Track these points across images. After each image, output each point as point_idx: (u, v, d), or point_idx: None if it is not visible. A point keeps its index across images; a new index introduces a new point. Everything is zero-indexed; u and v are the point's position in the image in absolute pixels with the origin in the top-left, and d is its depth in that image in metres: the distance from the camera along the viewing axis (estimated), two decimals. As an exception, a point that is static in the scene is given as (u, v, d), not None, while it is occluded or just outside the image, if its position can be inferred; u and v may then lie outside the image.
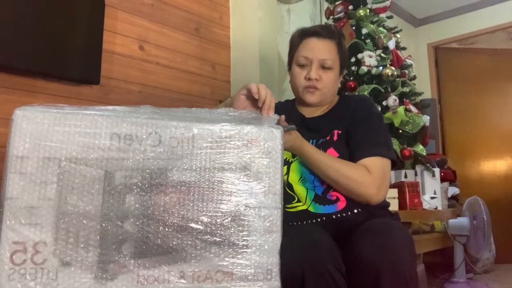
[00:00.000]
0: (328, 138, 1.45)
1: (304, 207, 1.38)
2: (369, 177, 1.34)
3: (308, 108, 1.56)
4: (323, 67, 1.49)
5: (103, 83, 2.14)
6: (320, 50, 1.49)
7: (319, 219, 1.35)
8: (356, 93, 2.74)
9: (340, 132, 1.45)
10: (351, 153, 1.41)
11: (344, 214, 1.35)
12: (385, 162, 1.39)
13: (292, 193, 1.41)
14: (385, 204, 1.46)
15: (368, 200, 1.34)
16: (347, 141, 1.44)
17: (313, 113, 1.56)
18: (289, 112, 1.52)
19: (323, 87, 1.49)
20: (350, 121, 1.47)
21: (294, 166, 1.43)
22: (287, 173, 1.43)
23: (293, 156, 1.44)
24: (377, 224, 1.21)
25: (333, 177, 1.33)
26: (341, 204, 1.36)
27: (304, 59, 1.50)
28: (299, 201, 1.39)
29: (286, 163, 1.44)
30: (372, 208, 1.36)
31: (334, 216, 1.35)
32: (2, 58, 1.76)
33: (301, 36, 1.55)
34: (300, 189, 1.41)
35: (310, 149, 1.35)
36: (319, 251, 1.14)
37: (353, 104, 1.53)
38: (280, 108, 1.54)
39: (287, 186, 1.42)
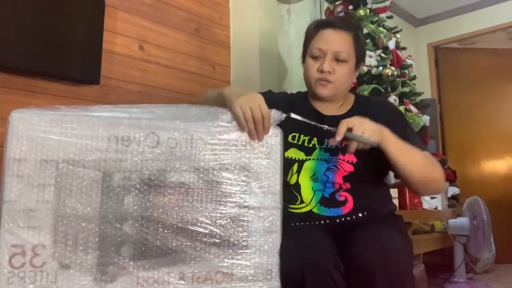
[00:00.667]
0: (347, 142, 1.35)
1: (307, 209, 1.35)
2: (438, 165, 1.38)
3: (323, 104, 1.49)
4: (337, 59, 1.42)
5: (103, 83, 2.13)
6: (335, 41, 1.43)
7: (322, 222, 1.33)
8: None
9: None
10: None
11: (348, 218, 1.33)
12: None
13: (296, 194, 1.38)
14: (393, 208, 1.45)
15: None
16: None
17: (330, 110, 1.49)
18: (303, 105, 1.50)
19: (335, 80, 1.43)
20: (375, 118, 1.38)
21: (308, 164, 1.39)
22: (298, 171, 1.39)
23: (307, 155, 1.40)
24: (376, 226, 1.21)
25: (415, 170, 1.32)
26: (348, 206, 1.34)
27: (318, 50, 1.44)
28: (302, 201, 1.37)
29: (298, 161, 1.39)
30: (378, 211, 1.35)
31: (337, 220, 1.33)
32: (2, 58, 1.76)
33: (316, 27, 1.49)
34: (307, 191, 1.37)
35: (392, 137, 1.29)
36: (319, 251, 1.14)
37: (376, 108, 1.46)
38: (293, 100, 1.53)
39: (293, 187, 1.38)
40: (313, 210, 1.35)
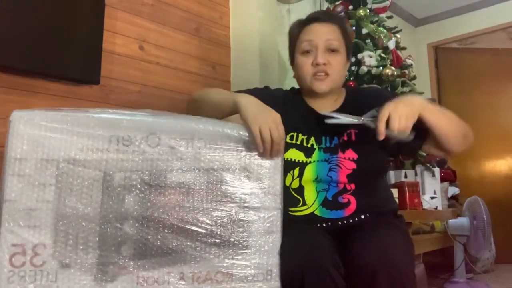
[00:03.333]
0: (345, 138, 1.38)
1: (309, 211, 1.34)
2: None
3: (317, 101, 1.45)
4: (330, 50, 1.38)
5: (103, 83, 2.13)
6: (324, 32, 1.40)
7: (324, 224, 1.32)
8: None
9: (357, 131, 1.37)
10: None
11: (350, 220, 1.32)
12: None
13: (298, 196, 1.35)
14: (395, 207, 1.45)
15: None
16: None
17: (324, 106, 1.44)
18: (297, 104, 1.47)
19: (332, 72, 1.39)
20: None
21: (310, 168, 1.35)
22: (300, 175, 1.35)
23: (307, 156, 1.36)
24: (377, 226, 1.21)
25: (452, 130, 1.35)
26: (351, 208, 1.32)
27: (307, 43, 1.40)
28: (304, 204, 1.34)
29: (299, 164, 1.36)
30: (381, 212, 1.34)
31: (340, 223, 1.31)
32: (2, 58, 1.75)
33: (300, 25, 1.45)
34: (310, 193, 1.34)
35: (423, 102, 1.28)
36: (319, 252, 1.14)
37: (370, 97, 1.43)
38: (286, 98, 1.49)
39: (296, 190, 1.35)
40: (315, 212, 1.33)
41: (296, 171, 1.35)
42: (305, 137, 1.40)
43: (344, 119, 1.28)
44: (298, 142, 1.39)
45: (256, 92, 1.43)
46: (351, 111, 1.33)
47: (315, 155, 1.37)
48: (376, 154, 1.38)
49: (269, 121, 1.17)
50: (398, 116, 1.17)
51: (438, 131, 1.28)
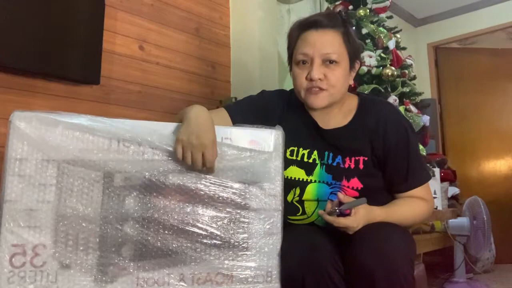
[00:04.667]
0: (352, 166, 1.30)
1: (309, 220, 1.33)
2: (427, 206, 1.36)
3: (321, 113, 1.36)
4: (327, 62, 1.27)
5: (103, 83, 2.13)
6: (322, 43, 1.27)
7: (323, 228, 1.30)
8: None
9: (366, 159, 1.31)
10: (392, 180, 1.33)
11: None
12: (429, 184, 1.39)
13: (297, 205, 1.33)
14: None
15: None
16: (380, 166, 1.33)
17: (329, 120, 1.36)
18: (299, 116, 1.39)
19: (329, 87, 1.28)
20: (383, 147, 1.31)
21: (311, 188, 1.32)
22: (301, 194, 1.32)
23: (308, 173, 1.32)
24: (376, 228, 1.20)
25: (407, 225, 1.35)
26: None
27: (303, 56, 1.29)
28: (304, 213, 1.33)
29: (299, 183, 1.32)
30: None
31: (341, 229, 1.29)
32: (2, 58, 1.76)
33: (299, 28, 1.33)
34: (310, 204, 1.32)
35: (381, 215, 1.26)
36: (319, 253, 1.14)
37: (384, 124, 1.32)
38: (286, 107, 1.41)
39: (297, 201, 1.33)
40: (315, 222, 1.32)
41: (297, 190, 1.32)
42: (307, 151, 1.34)
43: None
44: (299, 158, 1.34)
45: (246, 104, 1.41)
46: (358, 133, 1.32)
47: (316, 173, 1.32)
48: (380, 186, 1.35)
49: (195, 143, 1.09)
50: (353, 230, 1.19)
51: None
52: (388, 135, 1.31)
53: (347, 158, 1.31)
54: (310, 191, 1.32)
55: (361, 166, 1.31)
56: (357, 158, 1.31)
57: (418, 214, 1.35)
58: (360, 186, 1.29)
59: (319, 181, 1.32)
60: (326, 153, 1.33)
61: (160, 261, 1.08)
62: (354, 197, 1.26)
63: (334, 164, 1.32)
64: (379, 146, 1.31)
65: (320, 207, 1.30)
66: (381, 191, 1.36)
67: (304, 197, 1.32)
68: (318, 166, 1.33)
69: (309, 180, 1.32)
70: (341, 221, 1.17)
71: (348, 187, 1.29)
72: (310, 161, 1.34)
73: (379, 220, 1.23)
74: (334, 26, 1.30)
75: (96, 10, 2.08)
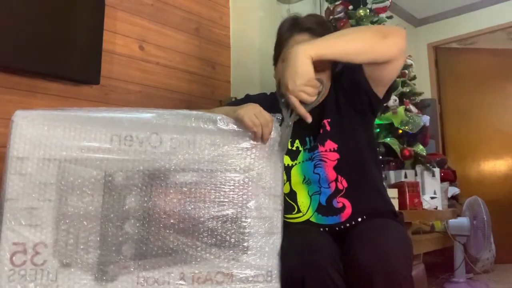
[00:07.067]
0: (321, 131, 1.36)
1: (305, 218, 1.34)
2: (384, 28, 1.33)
3: None
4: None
5: (103, 83, 2.13)
6: None
7: (321, 229, 1.32)
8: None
9: (330, 120, 1.36)
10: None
11: (348, 225, 1.31)
12: None
13: (292, 203, 1.35)
14: (391, 207, 1.43)
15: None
16: (349, 108, 1.35)
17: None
18: (278, 109, 1.40)
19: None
20: (343, 92, 1.37)
21: (295, 169, 1.36)
22: (289, 179, 1.36)
23: (292, 159, 1.37)
24: (374, 227, 1.20)
25: (358, 52, 1.25)
26: (347, 213, 1.31)
27: None
28: (299, 211, 1.34)
29: (285, 168, 1.32)
30: (378, 213, 1.33)
31: (337, 228, 1.31)
32: (2, 58, 1.76)
33: (291, 29, 1.40)
34: (303, 198, 1.34)
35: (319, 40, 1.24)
36: (319, 253, 1.14)
37: (344, 78, 1.40)
38: (272, 103, 1.41)
39: (288, 195, 1.35)
40: (310, 219, 1.33)
41: (284, 175, 1.33)
42: (290, 140, 1.35)
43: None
44: None
45: (241, 102, 1.43)
46: (320, 104, 1.32)
47: (300, 156, 1.37)
48: (356, 137, 1.36)
49: (251, 109, 1.18)
50: (297, 91, 1.19)
51: (348, 57, 1.24)
52: (344, 80, 1.37)
53: (319, 130, 1.36)
54: (296, 172, 1.36)
55: (327, 128, 1.36)
56: (322, 123, 1.36)
57: (369, 38, 1.24)
58: (335, 146, 1.33)
59: (302, 161, 1.36)
60: (307, 138, 1.38)
61: (160, 260, 1.08)
62: (336, 159, 1.32)
63: (313, 143, 1.37)
64: (343, 92, 1.37)
65: (312, 204, 1.33)
66: (360, 145, 1.37)
67: (292, 181, 1.35)
68: (302, 151, 1.38)
69: (293, 164, 1.37)
70: (297, 106, 1.21)
71: (325, 150, 1.33)
72: (294, 148, 1.39)
73: (304, 56, 1.18)
74: (307, 30, 1.39)
75: (96, 10, 2.08)
